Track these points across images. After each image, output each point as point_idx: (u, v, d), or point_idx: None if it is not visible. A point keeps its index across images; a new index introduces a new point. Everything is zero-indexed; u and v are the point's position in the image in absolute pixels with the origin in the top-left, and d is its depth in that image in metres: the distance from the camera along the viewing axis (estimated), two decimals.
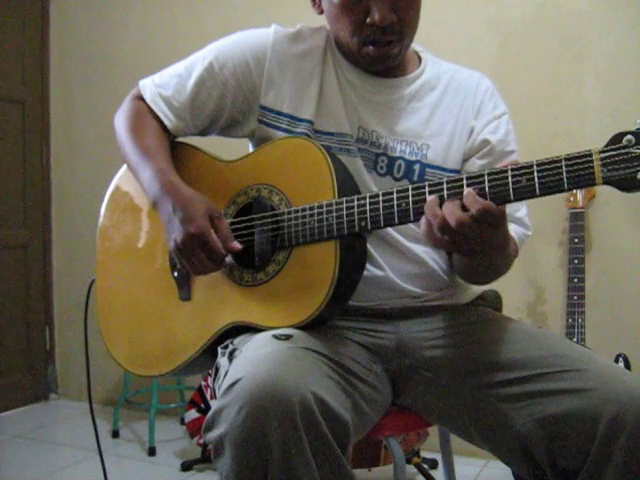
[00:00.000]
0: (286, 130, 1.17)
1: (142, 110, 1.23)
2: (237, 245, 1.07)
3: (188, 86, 1.21)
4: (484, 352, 1.08)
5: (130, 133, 1.20)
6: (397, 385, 1.16)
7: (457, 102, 1.21)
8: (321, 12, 1.19)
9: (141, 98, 1.24)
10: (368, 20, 1.10)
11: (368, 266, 1.12)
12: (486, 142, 1.18)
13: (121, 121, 1.23)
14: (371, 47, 1.12)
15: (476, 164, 1.18)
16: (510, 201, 0.92)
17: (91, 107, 3.04)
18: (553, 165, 0.87)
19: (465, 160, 1.20)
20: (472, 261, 1.08)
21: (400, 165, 1.17)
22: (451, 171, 1.17)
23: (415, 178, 1.17)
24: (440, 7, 2.27)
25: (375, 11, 1.08)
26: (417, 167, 1.17)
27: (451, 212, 0.90)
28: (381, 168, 1.17)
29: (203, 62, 1.21)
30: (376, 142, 1.17)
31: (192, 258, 1.06)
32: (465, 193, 0.91)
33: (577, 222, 2.05)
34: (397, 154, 1.17)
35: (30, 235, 3.09)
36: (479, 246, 0.93)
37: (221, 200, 1.16)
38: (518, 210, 1.20)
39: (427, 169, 1.17)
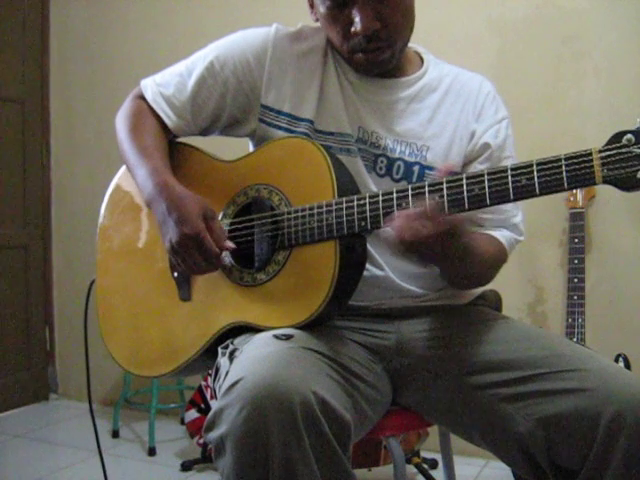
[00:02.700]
0: (286, 129, 1.17)
1: (142, 109, 1.23)
2: (230, 244, 1.07)
3: (189, 85, 1.21)
4: (484, 352, 1.08)
5: (128, 132, 1.20)
6: (397, 385, 1.16)
7: (458, 105, 1.20)
8: (317, 19, 1.19)
9: (142, 97, 1.24)
10: (352, 30, 1.09)
11: (368, 266, 1.12)
12: (487, 146, 1.18)
13: (121, 120, 1.24)
14: (360, 55, 1.12)
15: (477, 169, 1.17)
16: (510, 201, 0.92)
17: (91, 107, 3.04)
18: (553, 164, 0.87)
19: (466, 164, 1.20)
20: (436, 268, 1.09)
21: (399, 166, 1.17)
22: (450, 173, 1.17)
23: (414, 179, 1.17)
24: (440, 7, 2.27)
25: (357, 21, 1.08)
26: (416, 169, 1.17)
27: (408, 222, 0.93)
28: (380, 169, 1.17)
29: (204, 61, 1.21)
30: (376, 143, 1.17)
31: (187, 259, 1.05)
32: (429, 206, 0.93)
33: (577, 222, 2.05)
34: (397, 155, 1.17)
35: (30, 235, 3.09)
36: (432, 255, 0.97)
37: (221, 200, 1.16)
38: (515, 216, 1.20)
39: (426, 171, 1.17)
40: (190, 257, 1.05)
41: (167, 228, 1.06)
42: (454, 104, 1.21)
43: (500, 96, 1.25)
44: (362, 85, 1.19)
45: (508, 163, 1.15)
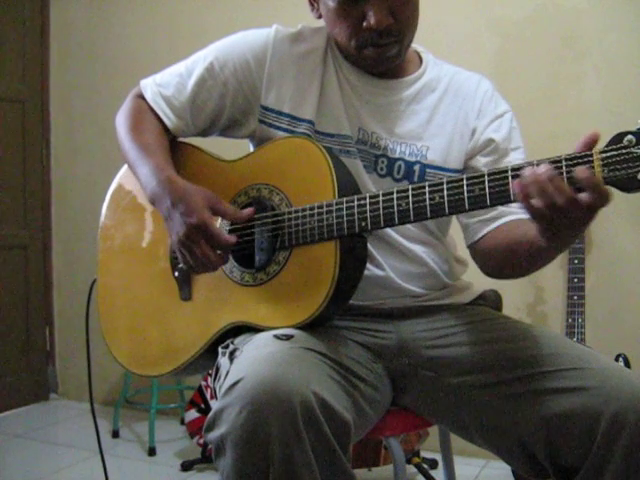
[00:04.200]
0: (287, 130, 1.17)
1: (143, 108, 1.23)
2: (248, 211, 1.09)
3: (189, 86, 1.21)
4: (484, 352, 1.08)
5: (129, 131, 1.20)
6: (397, 385, 1.16)
7: (456, 104, 1.20)
8: (320, 16, 1.19)
9: (142, 97, 1.24)
10: (364, 24, 1.09)
11: (369, 266, 1.12)
12: (490, 141, 1.18)
13: (121, 119, 1.24)
14: (370, 49, 1.12)
15: (480, 162, 1.18)
16: (510, 201, 0.92)
17: (91, 107, 3.04)
18: (554, 165, 0.87)
19: (469, 159, 1.20)
20: (549, 243, 0.94)
21: (400, 166, 1.17)
22: (451, 171, 1.18)
23: (415, 179, 1.17)
24: (440, 7, 2.27)
25: (371, 15, 1.08)
26: (417, 168, 1.17)
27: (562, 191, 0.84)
28: (381, 169, 1.17)
29: (204, 62, 1.21)
30: (376, 143, 1.17)
31: (196, 251, 1.05)
32: (579, 173, 0.83)
33: None
34: (397, 155, 1.17)
35: (30, 235, 3.09)
36: (572, 225, 0.87)
37: None
38: None
39: (427, 170, 1.17)
40: (199, 248, 1.04)
41: (173, 222, 1.06)
42: (452, 103, 1.21)
43: (500, 93, 1.25)
44: (362, 86, 1.19)
45: (517, 155, 1.16)
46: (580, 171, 0.83)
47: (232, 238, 1.06)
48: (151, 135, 1.19)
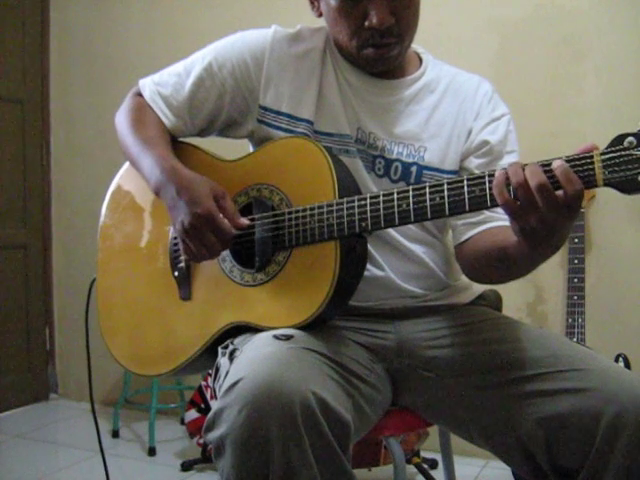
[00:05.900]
0: (286, 130, 1.17)
1: (143, 105, 1.23)
2: (245, 221, 1.08)
3: (187, 85, 1.21)
4: (484, 352, 1.08)
5: (131, 126, 1.20)
6: (397, 385, 1.16)
7: (455, 105, 1.20)
8: (320, 15, 1.19)
9: (141, 95, 1.25)
10: (366, 24, 1.09)
11: (369, 266, 1.12)
12: (485, 142, 1.18)
13: (122, 116, 1.24)
14: (371, 49, 1.12)
15: (473, 163, 1.18)
16: None
17: (91, 107, 3.04)
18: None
19: (463, 159, 1.19)
20: (529, 249, 0.94)
21: (397, 167, 1.17)
22: (448, 172, 1.17)
23: (412, 180, 1.17)
24: (440, 7, 2.27)
25: (373, 15, 1.08)
26: (414, 169, 1.17)
27: (535, 173, 0.85)
28: (379, 170, 1.17)
29: (202, 62, 1.21)
30: (374, 144, 1.17)
31: (200, 240, 1.05)
32: (556, 165, 0.84)
33: (577, 222, 2.05)
34: (394, 156, 1.17)
35: (30, 235, 3.10)
36: (547, 227, 0.87)
37: None
38: None
39: (424, 171, 1.17)
40: (203, 237, 1.04)
41: (178, 211, 1.06)
42: (451, 104, 1.21)
43: (499, 95, 1.25)
44: (360, 86, 1.18)
45: (511, 158, 1.16)
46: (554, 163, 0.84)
47: (234, 230, 1.06)
48: (153, 128, 1.19)
